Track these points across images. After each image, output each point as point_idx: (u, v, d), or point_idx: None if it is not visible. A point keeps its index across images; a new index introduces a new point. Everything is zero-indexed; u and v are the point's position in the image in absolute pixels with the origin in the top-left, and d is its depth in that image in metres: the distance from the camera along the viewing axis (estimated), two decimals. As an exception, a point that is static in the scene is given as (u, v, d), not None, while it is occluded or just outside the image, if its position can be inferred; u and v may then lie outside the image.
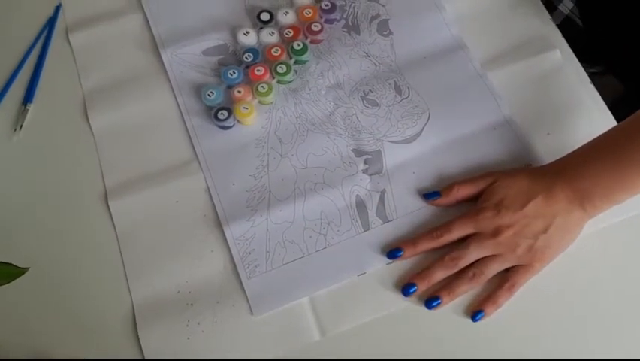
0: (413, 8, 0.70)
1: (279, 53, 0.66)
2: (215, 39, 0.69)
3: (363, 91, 0.66)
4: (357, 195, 0.62)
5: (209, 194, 0.62)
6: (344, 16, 0.70)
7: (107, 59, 0.69)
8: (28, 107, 0.67)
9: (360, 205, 0.61)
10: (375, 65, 0.68)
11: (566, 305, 0.57)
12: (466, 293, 0.57)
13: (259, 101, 0.66)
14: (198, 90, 0.66)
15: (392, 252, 0.58)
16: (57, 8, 0.72)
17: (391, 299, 0.57)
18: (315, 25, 0.67)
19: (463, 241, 0.57)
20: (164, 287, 0.58)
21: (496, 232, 0.56)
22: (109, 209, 0.62)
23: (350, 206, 0.61)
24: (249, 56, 0.66)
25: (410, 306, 0.57)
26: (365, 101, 0.66)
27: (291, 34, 0.67)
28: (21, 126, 0.66)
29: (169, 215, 0.61)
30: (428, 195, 0.60)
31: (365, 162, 0.63)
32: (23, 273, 0.52)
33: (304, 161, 0.63)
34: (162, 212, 0.61)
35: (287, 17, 0.68)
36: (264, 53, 0.67)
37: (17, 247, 0.61)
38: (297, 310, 0.58)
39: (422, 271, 0.57)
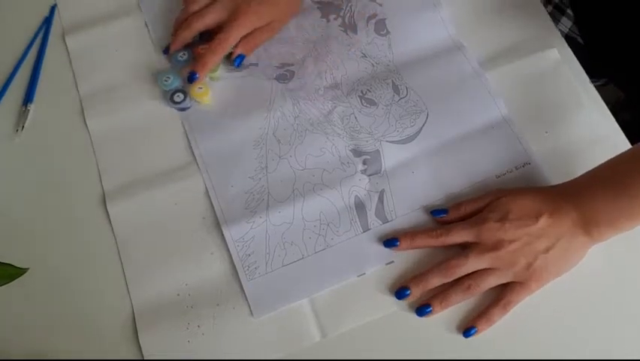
0: (410, 8, 0.70)
1: None
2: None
3: (361, 91, 0.66)
4: (356, 195, 0.62)
5: (208, 196, 0.62)
6: (341, 14, 0.70)
7: (104, 62, 0.68)
8: (29, 108, 0.66)
9: (360, 206, 0.61)
10: (373, 64, 0.67)
11: (566, 314, 0.57)
12: (460, 305, 0.57)
13: (210, 78, 0.67)
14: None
15: (389, 241, 0.58)
16: (52, 8, 0.71)
17: (391, 300, 0.58)
18: None
19: (461, 249, 0.57)
20: (164, 290, 0.58)
21: (497, 245, 0.55)
22: (108, 212, 0.61)
23: (349, 207, 0.61)
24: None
25: (409, 306, 0.57)
26: (363, 101, 0.66)
27: None
28: (23, 127, 0.65)
29: (168, 218, 0.61)
30: (436, 212, 0.60)
31: (364, 163, 0.63)
32: (23, 273, 0.53)
33: (303, 162, 0.63)
34: (161, 215, 0.61)
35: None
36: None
37: (17, 247, 0.61)
38: (297, 311, 0.58)
39: (417, 275, 0.57)
